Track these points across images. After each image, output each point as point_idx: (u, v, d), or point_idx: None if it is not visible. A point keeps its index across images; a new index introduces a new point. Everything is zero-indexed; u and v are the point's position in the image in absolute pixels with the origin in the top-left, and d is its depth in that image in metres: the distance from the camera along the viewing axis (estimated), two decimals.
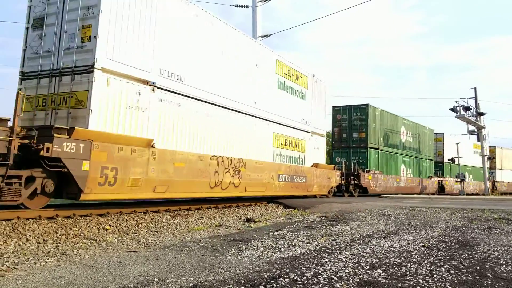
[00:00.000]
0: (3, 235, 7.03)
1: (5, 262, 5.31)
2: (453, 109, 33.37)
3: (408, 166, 32.44)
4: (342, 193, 24.44)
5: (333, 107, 28.24)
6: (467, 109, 34.18)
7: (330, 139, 30.22)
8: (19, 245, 6.72)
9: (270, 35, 25.26)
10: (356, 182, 24.99)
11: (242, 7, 25.05)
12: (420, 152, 34.57)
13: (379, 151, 28.27)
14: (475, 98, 39.80)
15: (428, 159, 36.18)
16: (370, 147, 27.08)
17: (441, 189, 37.24)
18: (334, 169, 22.16)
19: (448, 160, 38.92)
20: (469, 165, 41.43)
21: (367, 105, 27.44)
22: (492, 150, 47.63)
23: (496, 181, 47.01)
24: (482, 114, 37.56)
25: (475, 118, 36.32)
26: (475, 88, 40.61)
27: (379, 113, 28.68)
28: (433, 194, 34.50)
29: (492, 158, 48.33)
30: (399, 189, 29.96)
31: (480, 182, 40.85)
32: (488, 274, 5.18)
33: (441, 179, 37.99)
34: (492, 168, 47.68)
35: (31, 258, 5.63)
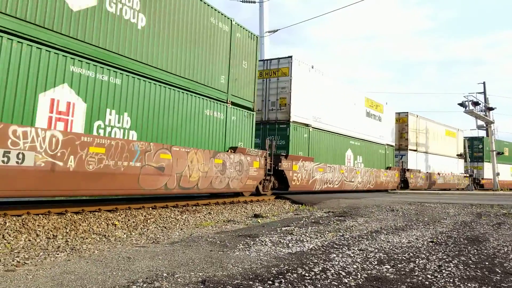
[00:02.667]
0: (14, 230, 7.10)
1: (16, 257, 5.37)
2: (461, 104, 33.20)
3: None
4: None
5: None
6: (476, 104, 33.98)
7: None
8: (29, 240, 6.79)
9: (277, 30, 25.19)
10: None
11: (249, 2, 24.99)
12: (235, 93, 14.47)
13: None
14: (484, 92, 39.51)
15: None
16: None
17: (281, 182, 17.37)
18: None
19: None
20: (357, 137, 23.80)
21: None
22: (403, 119, 31.06)
23: (408, 169, 29.81)
24: (491, 109, 37.28)
25: (484, 113, 36.08)
26: (484, 83, 40.31)
27: None
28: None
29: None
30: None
31: (379, 171, 25.76)
32: (497, 270, 5.15)
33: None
34: (402, 148, 30.63)
35: (41, 253, 5.69)
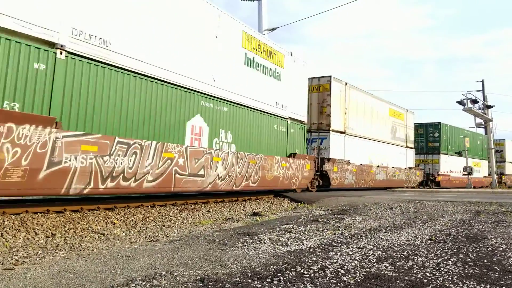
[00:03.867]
0: (12, 229, 7.09)
1: (14, 255, 5.36)
2: (460, 102, 33.22)
3: None
4: None
5: None
6: (474, 102, 34.00)
7: None
8: (28, 239, 6.78)
9: (275, 28, 25.15)
10: None
11: (248, 0, 24.95)
12: None
13: None
14: (483, 90, 39.53)
15: None
16: None
17: None
18: None
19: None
20: (222, 96, 13.38)
21: None
22: (325, 86, 21.28)
23: (329, 159, 20.40)
24: (489, 107, 37.31)
25: (482, 111, 36.09)
26: (482, 81, 40.32)
27: None
28: None
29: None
30: None
31: (271, 159, 15.44)
32: (496, 267, 5.16)
33: None
34: (323, 128, 21.17)
35: (39, 252, 5.69)
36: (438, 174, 34.43)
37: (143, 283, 4.06)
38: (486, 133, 39.94)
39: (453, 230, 8.34)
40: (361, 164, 23.50)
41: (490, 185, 39.06)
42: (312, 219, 10.01)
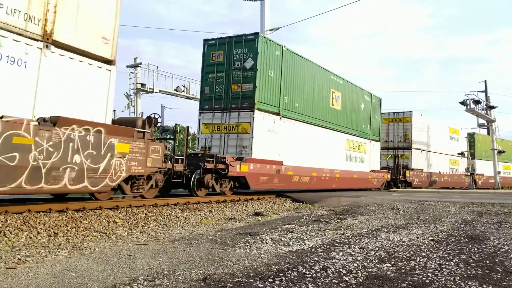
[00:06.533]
0: (15, 228, 7.11)
1: (17, 254, 5.38)
2: (463, 103, 33.10)
3: None
4: None
5: None
6: (477, 102, 33.88)
7: None
8: (30, 238, 6.80)
9: (278, 28, 25.12)
10: None
11: (251, 0, 24.93)
12: None
13: None
14: (485, 91, 39.48)
15: None
16: None
17: None
18: None
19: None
20: None
21: None
22: None
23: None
24: (492, 107, 37.19)
25: (485, 112, 35.99)
26: (485, 81, 40.27)
27: None
28: None
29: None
30: None
31: None
32: (498, 268, 5.15)
33: None
34: None
35: (42, 251, 5.70)
36: (241, 160, 14.30)
37: (145, 283, 4.07)
38: (488, 133, 39.81)
39: (455, 231, 8.33)
40: None
41: (388, 187, 26.97)
42: (314, 219, 10.01)
